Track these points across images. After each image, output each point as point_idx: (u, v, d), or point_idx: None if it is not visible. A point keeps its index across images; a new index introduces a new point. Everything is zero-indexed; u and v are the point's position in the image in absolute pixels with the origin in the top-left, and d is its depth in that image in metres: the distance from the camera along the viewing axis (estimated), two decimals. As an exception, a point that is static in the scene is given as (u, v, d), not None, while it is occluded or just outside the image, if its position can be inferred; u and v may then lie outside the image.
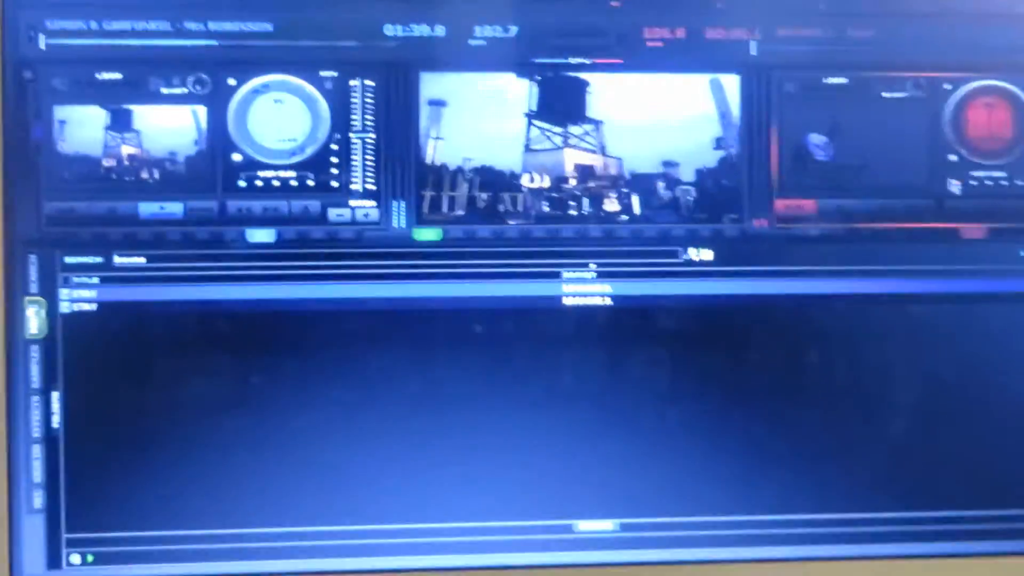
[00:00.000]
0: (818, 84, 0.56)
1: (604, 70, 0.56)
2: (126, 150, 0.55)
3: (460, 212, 0.55)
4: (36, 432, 0.54)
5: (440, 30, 0.56)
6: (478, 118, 0.55)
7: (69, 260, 0.55)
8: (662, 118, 0.56)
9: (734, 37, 0.56)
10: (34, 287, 0.54)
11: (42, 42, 0.55)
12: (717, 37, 0.56)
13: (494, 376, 0.55)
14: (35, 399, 0.54)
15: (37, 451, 0.54)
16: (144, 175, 0.55)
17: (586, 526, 0.55)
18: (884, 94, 0.56)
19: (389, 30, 0.55)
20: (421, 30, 0.56)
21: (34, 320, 0.54)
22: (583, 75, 0.56)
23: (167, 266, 0.55)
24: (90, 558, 0.54)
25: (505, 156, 0.55)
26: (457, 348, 0.55)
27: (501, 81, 0.56)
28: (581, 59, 0.56)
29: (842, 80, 0.56)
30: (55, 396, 0.54)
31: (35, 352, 0.54)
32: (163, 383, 0.55)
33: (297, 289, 0.55)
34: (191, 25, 0.55)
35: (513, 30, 0.56)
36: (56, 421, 0.54)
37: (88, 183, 0.55)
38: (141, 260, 0.55)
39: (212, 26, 0.55)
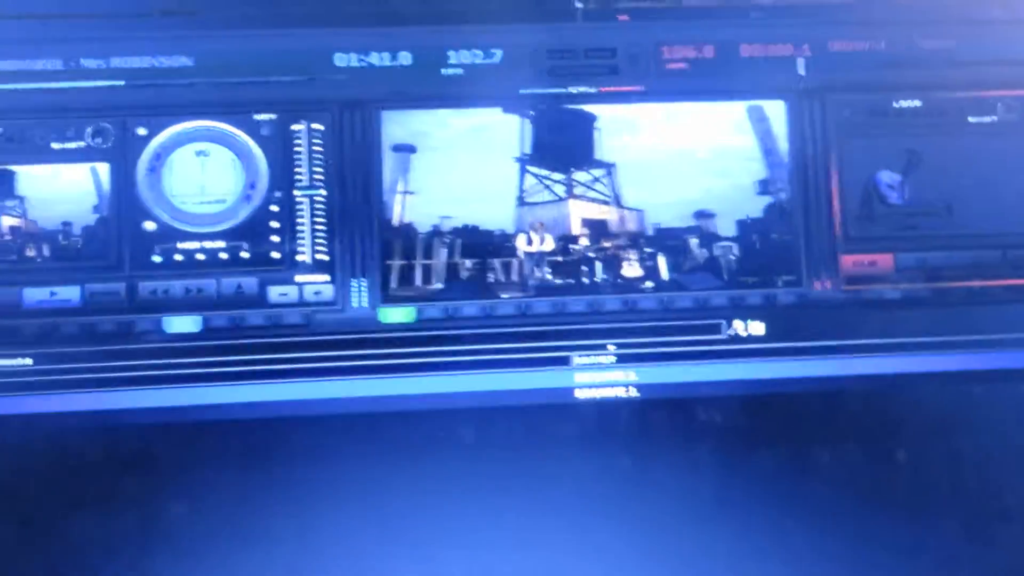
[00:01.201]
0: (886, 109, 0.44)
1: (614, 100, 0.44)
2: (7, 221, 0.43)
3: (438, 285, 0.43)
4: None
5: (405, 58, 0.44)
6: (457, 166, 0.44)
7: (-67, 365, 0.42)
8: (691, 158, 0.44)
9: (776, 54, 0.44)
10: None
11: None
12: (755, 55, 0.44)
13: (490, 493, 0.42)
14: None
15: None
16: (30, 252, 0.43)
17: None
18: (970, 118, 0.44)
19: (340, 60, 0.44)
20: (380, 59, 0.44)
21: None
22: (588, 107, 0.44)
23: (60, 367, 0.42)
24: None
25: (493, 212, 0.43)
26: (437, 462, 0.42)
27: (484, 118, 0.44)
28: (584, 87, 0.44)
29: (915, 103, 0.44)
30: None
31: None
32: (54, 514, 0.42)
33: (230, 392, 0.42)
34: (89, 63, 0.43)
35: (497, 54, 0.44)
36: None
37: (-42, 265, 0.42)
38: (27, 362, 0.42)
39: (115, 62, 0.43)
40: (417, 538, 0.42)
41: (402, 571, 0.41)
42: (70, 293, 0.43)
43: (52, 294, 0.43)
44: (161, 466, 0.42)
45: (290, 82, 0.44)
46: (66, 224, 0.43)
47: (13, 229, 0.43)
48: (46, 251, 0.43)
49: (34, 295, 0.43)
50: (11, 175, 0.43)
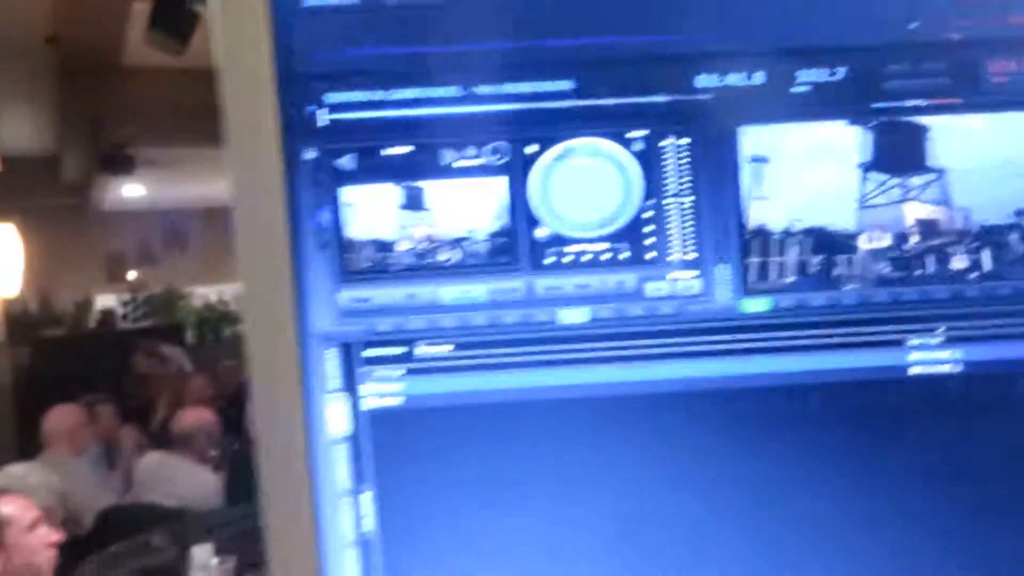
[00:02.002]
0: None
1: (945, 112, 0.50)
2: (421, 230, 0.50)
3: (790, 279, 0.50)
4: (348, 536, 0.51)
5: (758, 78, 0.50)
6: (805, 173, 0.50)
7: (369, 353, 0.50)
8: (1013, 163, 0.50)
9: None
10: (334, 384, 0.50)
11: (323, 117, 0.50)
12: (1075, 67, 0.50)
13: (833, 457, 0.51)
14: (343, 502, 0.51)
15: (350, 556, 0.51)
16: (442, 257, 0.50)
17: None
18: None
19: (702, 81, 0.50)
20: (737, 79, 0.50)
21: (336, 419, 0.51)
22: (921, 119, 0.50)
23: (474, 354, 0.51)
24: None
25: (837, 214, 0.50)
26: (791, 427, 0.51)
27: (829, 131, 0.50)
28: (917, 101, 0.50)
29: None
30: (366, 497, 0.51)
31: (340, 452, 0.51)
32: (479, 478, 0.51)
33: (615, 372, 0.51)
34: (484, 89, 0.50)
35: (841, 72, 0.50)
36: (369, 524, 0.51)
37: (383, 269, 0.50)
38: (446, 349, 0.51)
39: (507, 88, 0.50)
40: (776, 490, 0.51)
41: (779, 509, 0.50)
42: (478, 291, 0.50)
43: (463, 292, 0.50)
44: (558, 434, 0.51)
45: (659, 102, 0.50)
46: (471, 232, 0.50)
47: (427, 237, 0.50)
48: (456, 255, 0.50)
49: (448, 293, 0.50)
50: (420, 191, 0.50)
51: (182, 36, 5.77)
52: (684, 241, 0.50)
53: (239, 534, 4.38)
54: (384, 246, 0.50)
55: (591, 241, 0.50)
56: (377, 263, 0.50)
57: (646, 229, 0.50)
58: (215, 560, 3.06)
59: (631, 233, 0.50)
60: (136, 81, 7.51)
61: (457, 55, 0.49)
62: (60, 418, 4.85)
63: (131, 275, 9.45)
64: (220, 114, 0.49)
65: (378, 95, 0.49)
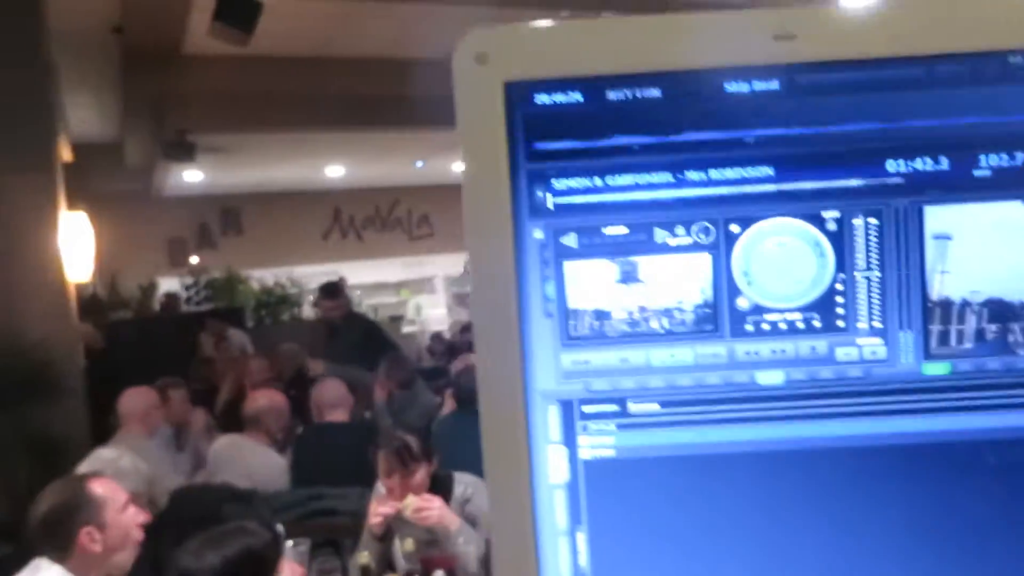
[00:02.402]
0: None
1: (1118, 193, 0.55)
2: (635, 301, 0.56)
3: (968, 345, 0.56)
4: (565, 570, 0.58)
5: (944, 163, 0.55)
6: (985, 249, 0.55)
7: (586, 409, 0.57)
8: None
9: None
10: (555, 435, 0.57)
11: (550, 202, 0.56)
12: None
13: (1013, 511, 0.56)
14: (562, 540, 0.58)
15: (567, 587, 0.58)
16: (653, 325, 0.56)
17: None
18: None
19: (891, 166, 0.55)
20: (924, 164, 0.55)
21: (557, 466, 0.57)
22: (1095, 199, 0.55)
23: (679, 411, 0.57)
24: None
25: (1015, 287, 0.55)
26: (972, 479, 0.56)
27: (1008, 210, 0.55)
28: (1091, 182, 0.55)
29: None
30: (580, 537, 0.57)
31: (559, 496, 0.57)
32: (681, 522, 0.57)
33: (807, 428, 0.56)
34: (693, 175, 0.55)
35: (1020, 157, 0.55)
36: (583, 560, 0.58)
37: (601, 335, 0.56)
38: (654, 407, 0.57)
39: (713, 175, 0.55)
40: (953, 543, 0.56)
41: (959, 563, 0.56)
42: (685, 355, 0.57)
43: (671, 356, 0.57)
44: (753, 484, 0.57)
45: (851, 186, 0.55)
46: (679, 302, 0.56)
47: (641, 308, 0.56)
48: (665, 323, 0.56)
49: (658, 357, 0.57)
50: (634, 266, 0.56)
51: (246, 27, 5.88)
52: (871, 311, 0.56)
53: (306, 515, 4.52)
54: (602, 315, 0.56)
55: (787, 311, 0.56)
56: (595, 330, 0.56)
57: (837, 300, 0.56)
58: (289, 543, 3.19)
59: (823, 304, 0.56)
60: (197, 69, 7.68)
61: (670, 145, 0.55)
62: (134, 400, 5.04)
63: (193, 260, 9.71)
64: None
65: (599, 181, 0.56)
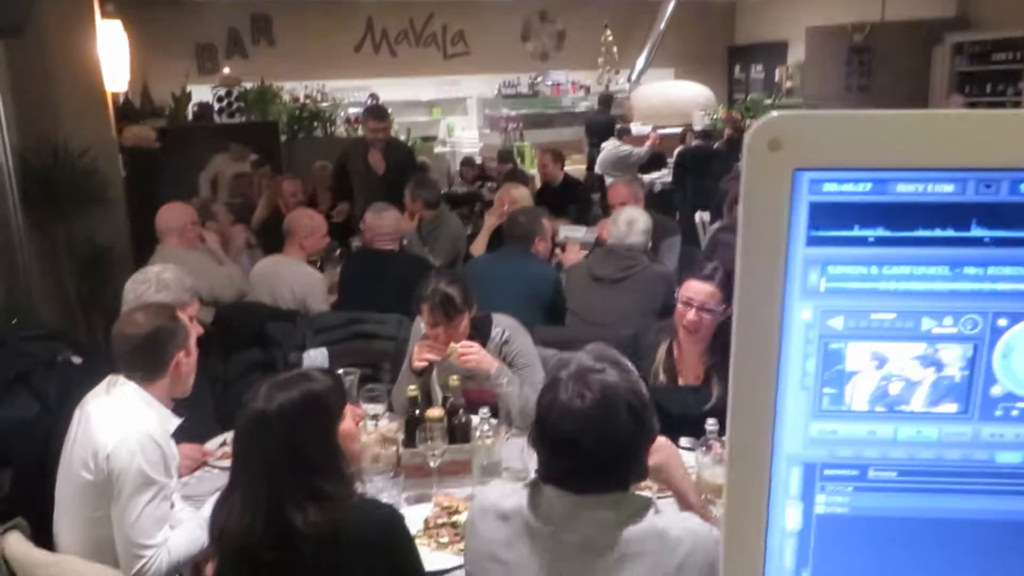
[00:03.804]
0: None
1: None
2: (891, 381, 0.59)
3: None
4: (787, 606, 0.64)
5: None
6: None
7: (829, 472, 0.61)
8: None
9: None
10: (795, 492, 0.61)
11: (822, 285, 0.57)
12: None
13: None
14: (787, 578, 0.63)
15: (788, 619, 0.64)
16: (905, 403, 0.59)
17: None
18: None
19: None
20: None
21: (792, 517, 0.62)
22: None
23: (916, 480, 0.60)
24: None
25: None
26: None
27: None
28: None
29: None
30: (805, 577, 0.63)
31: (790, 542, 0.62)
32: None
33: (1040, 503, 0.60)
34: (971, 270, 0.56)
35: None
36: (807, 598, 0.63)
37: (851, 409, 0.59)
38: (892, 475, 0.61)
39: (992, 271, 0.56)
40: None
41: None
42: (930, 432, 0.60)
43: (918, 432, 0.60)
44: (978, 555, 0.62)
45: None
46: (934, 384, 0.58)
47: (894, 387, 0.59)
48: (917, 403, 0.59)
49: (906, 432, 0.60)
50: (896, 348, 0.58)
51: None
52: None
53: (347, 337, 4.67)
54: (856, 390, 0.59)
55: (1036, 400, 0.58)
56: (848, 404, 0.59)
57: (1098, 388, 0.58)
58: (339, 371, 3.34)
59: (1074, 395, 0.58)
60: None
61: (954, 239, 0.55)
62: (171, 214, 5.09)
63: (225, 72, 9.48)
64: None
65: (875, 270, 0.56)
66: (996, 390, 0.58)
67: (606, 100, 10.36)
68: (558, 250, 5.24)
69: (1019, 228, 0.55)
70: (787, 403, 0.59)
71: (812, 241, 0.56)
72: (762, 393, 0.59)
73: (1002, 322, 0.57)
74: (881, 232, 0.56)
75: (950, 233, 0.55)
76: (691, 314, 2.72)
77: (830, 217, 0.56)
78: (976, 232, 0.55)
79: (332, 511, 1.82)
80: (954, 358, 0.58)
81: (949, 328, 0.57)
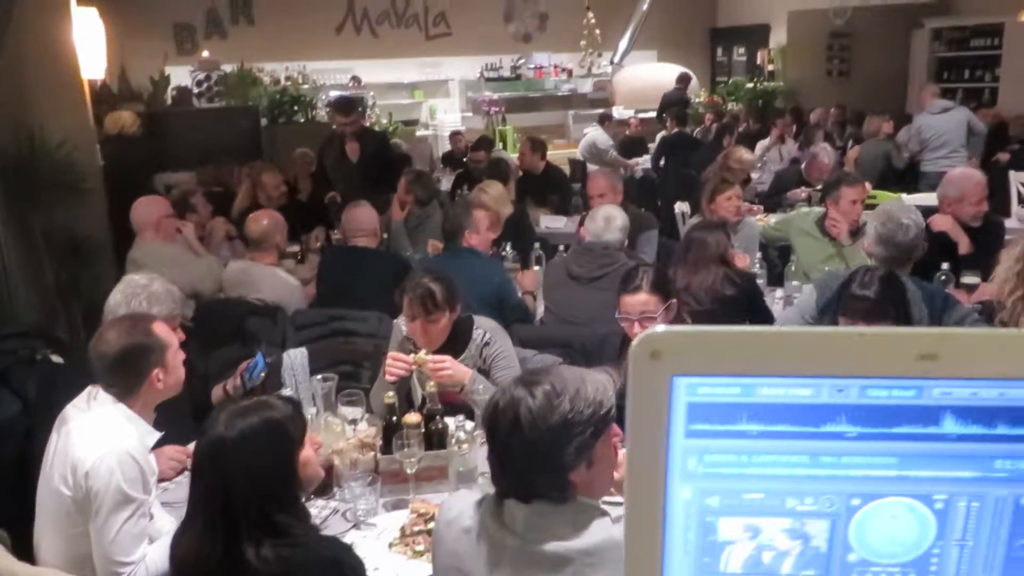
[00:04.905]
0: None
1: None
2: (763, 552, 0.67)
3: None
4: None
5: (1045, 463, 0.63)
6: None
7: (709, 622, 0.69)
8: None
9: None
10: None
11: (700, 471, 0.65)
12: None
13: None
14: None
15: None
16: (772, 569, 0.67)
17: None
18: None
19: (999, 464, 0.63)
20: (1027, 465, 0.63)
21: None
22: None
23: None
24: None
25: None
26: None
27: (1093, 507, 0.64)
28: None
29: None
30: None
31: None
32: None
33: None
34: (827, 459, 0.64)
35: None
36: None
37: (731, 573, 0.67)
38: None
39: (845, 460, 0.64)
40: None
41: None
42: (797, 590, 0.68)
43: (786, 590, 0.68)
44: None
45: (963, 477, 0.64)
46: (800, 553, 0.67)
47: (763, 556, 0.67)
48: (785, 569, 0.67)
49: (774, 590, 0.68)
50: (766, 523, 0.66)
51: None
52: (959, 570, 0.66)
53: (326, 335, 4.72)
54: (733, 557, 0.67)
55: (889, 567, 0.66)
56: (722, 570, 0.67)
57: (932, 561, 0.66)
58: (317, 378, 3.39)
59: (920, 563, 0.66)
60: None
61: (811, 434, 0.63)
62: (146, 209, 5.09)
63: (204, 55, 9.42)
64: None
65: (744, 458, 0.64)
66: (851, 557, 0.67)
67: (684, 78, 10.30)
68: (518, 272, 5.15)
69: (867, 425, 0.63)
70: (672, 567, 0.67)
71: (690, 434, 0.64)
72: (650, 559, 0.67)
73: (855, 501, 0.65)
74: (749, 427, 0.63)
75: (808, 428, 0.63)
76: (635, 327, 2.82)
77: (705, 415, 0.63)
78: (830, 428, 0.63)
79: (285, 547, 1.89)
80: (815, 530, 0.66)
81: (810, 506, 0.65)
